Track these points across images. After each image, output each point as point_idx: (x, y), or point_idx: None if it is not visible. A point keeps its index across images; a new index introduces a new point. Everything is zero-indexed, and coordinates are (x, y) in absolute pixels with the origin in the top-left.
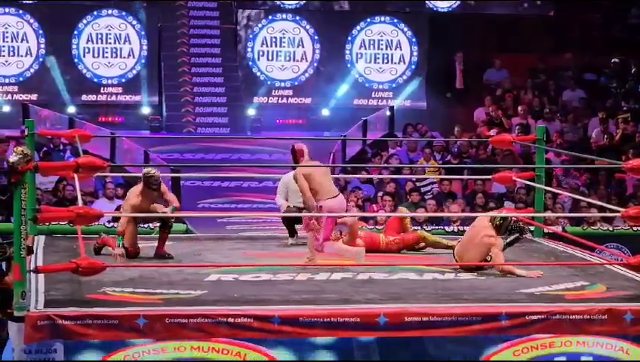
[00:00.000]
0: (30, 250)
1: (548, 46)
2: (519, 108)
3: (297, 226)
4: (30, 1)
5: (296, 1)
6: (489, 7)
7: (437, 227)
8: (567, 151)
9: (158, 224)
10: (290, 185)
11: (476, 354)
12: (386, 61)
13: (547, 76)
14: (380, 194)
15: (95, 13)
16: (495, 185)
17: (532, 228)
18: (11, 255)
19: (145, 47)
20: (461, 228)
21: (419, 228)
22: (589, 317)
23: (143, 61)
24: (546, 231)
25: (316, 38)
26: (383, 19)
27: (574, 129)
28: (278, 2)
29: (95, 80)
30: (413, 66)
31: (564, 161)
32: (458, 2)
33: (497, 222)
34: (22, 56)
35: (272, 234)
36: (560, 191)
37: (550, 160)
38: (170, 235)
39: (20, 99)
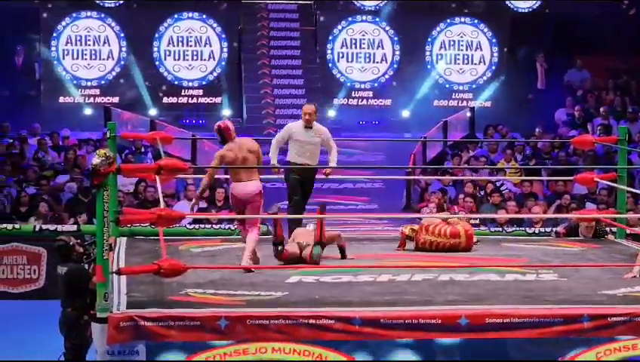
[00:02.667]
0: (111, 248)
1: (630, 46)
2: (601, 108)
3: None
4: (112, 5)
5: (376, 3)
6: (570, 7)
7: (518, 228)
8: None
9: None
10: (295, 135)
11: (558, 356)
12: (466, 62)
13: (629, 76)
14: (460, 195)
15: (176, 16)
16: (576, 186)
17: (614, 229)
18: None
19: (225, 50)
20: (542, 229)
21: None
22: None
23: (223, 63)
24: (628, 232)
25: (396, 39)
26: (463, 20)
27: None
28: (357, 4)
29: (176, 82)
30: (493, 67)
31: None
32: (539, 2)
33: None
34: (103, 59)
35: (353, 235)
36: None
37: (632, 161)
38: None
39: (102, 102)
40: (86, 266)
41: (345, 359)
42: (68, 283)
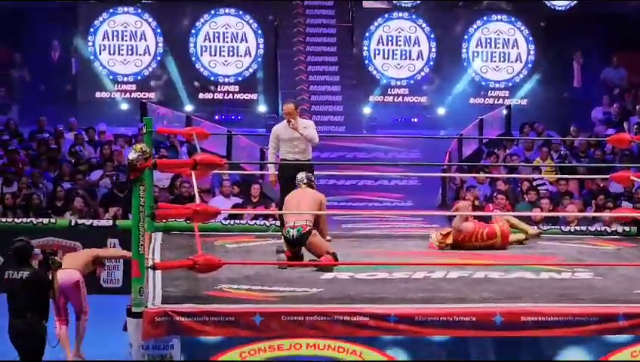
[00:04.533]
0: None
1: None
2: (637, 106)
3: None
4: (149, 1)
5: (413, 0)
6: (607, 4)
7: (553, 226)
8: None
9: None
10: (281, 135)
11: (593, 355)
12: (502, 60)
13: None
14: (495, 193)
15: (212, 12)
16: (613, 185)
17: None
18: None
19: (261, 46)
20: (578, 228)
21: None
22: None
23: (259, 59)
24: None
25: (432, 36)
26: (499, 17)
27: None
28: (394, 1)
29: (212, 78)
30: (529, 65)
31: None
32: (576, 0)
33: None
34: (140, 54)
35: (389, 232)
36: None
37: None
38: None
39: (138, 97)
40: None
41: (379, 355)
42: (32, 289)
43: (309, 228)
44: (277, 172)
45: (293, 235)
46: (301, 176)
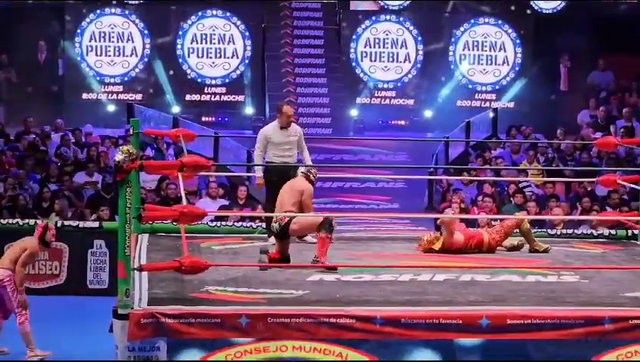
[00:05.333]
0: None
1: None
2: (624, 110)
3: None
4: (136, 2)
5: (400, 2)
6: (594, 7)
7: (539, 229)
8: None
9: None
10: (272, 139)
11: (579, 358)
12: (489, 62)
13: None
14: (479, 196)
15: (199, 13)
16: (598, 188)
17: (636, 231)
18: None
19: (248, 48)
20: (564, 231)
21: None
22: None
23: (246, 61)
24: None
25: (419, 39)
26: (487, 20)
27: None
28: (381, 3)
29: (199, 80)
30: (517, 68)
31: None
32: (563, 3)
33: None
34: (127, 56)
35: (375, 235)
36: None
37: None
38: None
39: (125, 98)
40: None
41: (365, 358)
42: None
43: (287, 219)
44: (262, 174)
45: (276, 229)
46: (304, 168)
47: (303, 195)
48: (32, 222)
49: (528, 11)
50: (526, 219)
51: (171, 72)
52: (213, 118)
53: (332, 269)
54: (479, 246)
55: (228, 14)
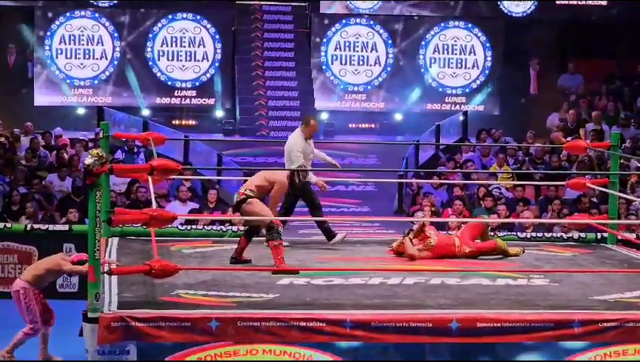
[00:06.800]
0: None
1: (624, 52)
2: (593, 113)
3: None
4: (106, 5)
5: (371, 5)
6: (564, 12)
7: (509, 233)
8: None
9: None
10: (305, 151)
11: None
12: (459, 66)
13: (623, 82)
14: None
15: (170, 16)
16: (568, 191)
17: (606, 234)
18: None
19: (219, 51)
20: (534, 234)
21: (493, 233)
22: None
23: (216, 64)
24: (619, 238)
25: (390, 42)
26: (457, 23)
27: None
28: (352, 6)
29: (169, 83)
30: (486, 71)
31: None
32: (533, 7)
33: None
34: (97, 59)
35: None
36: (635, 198)
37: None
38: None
39: (95, 101)
40: None
41: (336, 360)
42: None
43: (243, 196)
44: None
45: (235, 200)
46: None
47: (274, 187)
48: (1, 225)
49: (498, 15)
50: (501, 243)
51: (141, 75)
52: (184, 122)
53: (293, 272)
54: (451, 252)
55: (198, 17)
